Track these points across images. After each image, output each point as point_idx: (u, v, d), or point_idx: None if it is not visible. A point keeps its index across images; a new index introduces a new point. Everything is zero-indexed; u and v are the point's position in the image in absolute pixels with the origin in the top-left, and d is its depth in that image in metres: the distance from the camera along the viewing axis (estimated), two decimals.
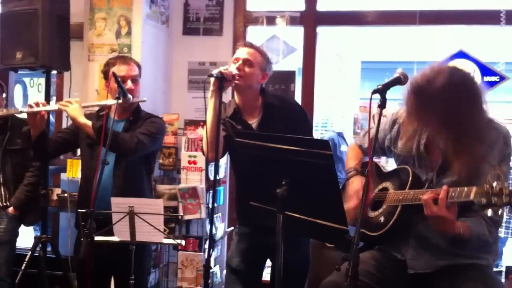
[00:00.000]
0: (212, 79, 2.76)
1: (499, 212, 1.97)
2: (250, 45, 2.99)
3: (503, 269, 4.10)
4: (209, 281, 4.04)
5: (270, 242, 2.83)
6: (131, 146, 3.01)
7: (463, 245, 2.26)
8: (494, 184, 1.94)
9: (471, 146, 2.23)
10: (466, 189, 2.05)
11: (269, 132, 2.80)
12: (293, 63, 4.61)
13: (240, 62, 2.90)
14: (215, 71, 2.73)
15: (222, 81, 2.72)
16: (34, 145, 3.17)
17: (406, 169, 2.39)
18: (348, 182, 2.60)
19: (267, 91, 3.08)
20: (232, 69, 2.81)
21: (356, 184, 2.53)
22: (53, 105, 3.20)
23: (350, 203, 2.48)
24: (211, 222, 2.69)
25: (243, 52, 2.94)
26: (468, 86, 2.29)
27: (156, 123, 3.20)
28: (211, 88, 2.79)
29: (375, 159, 2.65)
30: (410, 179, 2.33)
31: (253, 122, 2.96)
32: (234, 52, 4.33)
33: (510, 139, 2.31)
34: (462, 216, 2.20)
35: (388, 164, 2.67)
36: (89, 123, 3.04)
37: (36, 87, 5.73)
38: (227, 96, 4.35)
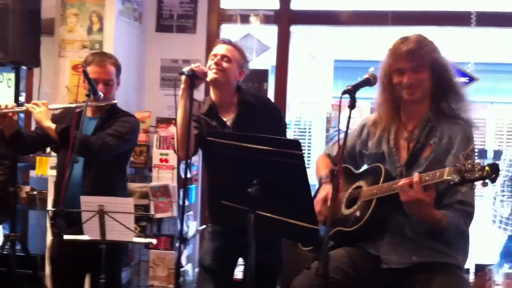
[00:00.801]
0: (183, 77, 2.75)
1: (473, 189, 2.13)
2: (229, 42, 3.01)
3: (473, 267, 4.17)
4: (181, 279, 4.04)
5: (242, 241, 2.84)
6: (95, 148, 2.97)
7: (439, 238, 2.31)
8: (467, 163, 2.04)
9: (437, 138, 2.38)
10: (439, 171, 2.12)
11: (243, 129, 2.84)
12: (266, 61, 4.61)
13: (219, 57, 2.93)
14: (186, 69, 2.72)
15: (194, 79, 2.70)
16: (9, 143, 3.15)
17: (378, 166, 2.46)
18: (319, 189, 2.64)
19: (243, 89, 3.10)
20: (203, 66, 2.80)
21: (323, 192, 2.56)
22: (20, 107, 3.15)
23: (317, 206, 2.51)
24: (182, 221, 2.69)
25: (221, 48, 2.97)
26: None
27: (128, 123, 3.17)
28: (182, 86, 2.77)
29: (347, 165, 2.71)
30: (383, 173, 2.39)
31: (228, 119, 2.97)
32: (208, 50, 4.37)
33: (472, 134, 2.41)
34: (437, 208, 2.25)
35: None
36: (53, 126, 2.99)
37: (6, 82, 5.63)
38: (199, 94, 4.35)
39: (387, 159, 2.48)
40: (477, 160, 2.08)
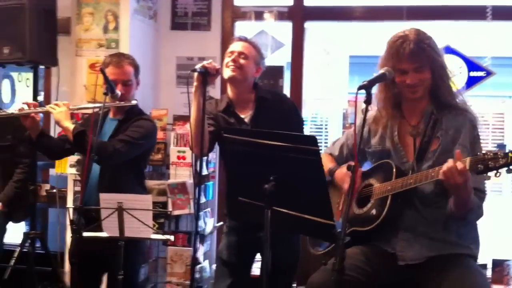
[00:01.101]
0: (195, 74, 2.74)
1: (498, 174, 2.06)
2: (245, 39, 3.03)
3: (490, 262, 4.15)
4: (198, 276, 4.07)
5: (259, 236, 2.86)
6: (106, 155, 2.96)
7: (460, 221, 2.33)
8: (488, 152, 2.06)
9: (443, 130, 2.38)
10: (469, 158, 2.11)
11: (261, 125, 2.88)
12: (281, 58, 4.62)
13: (236, 54, 2.94)
14: (198, 66, 2.72)
15: (206, 75, 2.71)
16: (37, 145, 3.18)
17: (387, 162, 2.45)
18: (333, 177, 2.63)
19: (260, 86, 3.11)
20: (215, 63, 2.78)
21: (343, 170, 2.58)
22: (42, 107, 3.17)
23: (345, 184, 2.54)
24: (196, 218, 2.70)
25: (238, 46, 2.98)
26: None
27: (142, 127, 3.12)
28: (195, 83, 2.77)
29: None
30: (394, 170, 2.39)
31: (246, 116, 2.99)
32: (222, 47, 4.39)
33: (476, 122, 2.42)
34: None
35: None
36: (71, 127, 3.00)
37: (24, 82, 5.69)
38: (215, 92, 4.37)
39: (393, 156, 2.47)
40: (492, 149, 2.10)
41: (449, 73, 2.45)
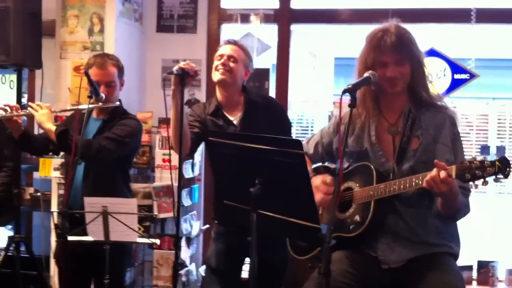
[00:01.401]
0: (172, 77, 2.71)
1: (483, 182, 2.05)
2: (234, 43, 3.05)
3: (476, 263, 4.18)
4: (185, 279, 4.06)
5: (247, 241, 2.86)
6: (92, 153, 2.95)
7: (434, 231, 2.34)
8: (475, 160, 2.03)
9: (423, 128, 2.37)
10: (455, 167, 2.10)
11: (250, 128, 2.90)
12: (267, 60, 4.62)
13: (225, 58, 2.96)
14: (175, 68, 2.68)
15: (184, 77, 2.67)
16: (19, 145, 3.20)
17: (367, 165, 2.42)
18: None
19: (249, 88, 3.14)
20: (192, 64, 2.74)
21: (316, 181, 2.54)
22: (24, 110, 3.16)
23: (316, 196, 2.47)
24: (177, 221, 2.65)
25: (227, 49, 3.00)
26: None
27: (128, 126, 3.13)
28: (172, 87, 2.75)
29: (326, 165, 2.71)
30: (374, 173, 2.36)
31: (235, 118, 3.01)
32: (209, 50, 4.39)
33: (455, 120, 2.42)
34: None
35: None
36: (53, 128, 2.99)
37: (8, 84, 5.65)
38: (201, 94, 4.37)
39: (371, 155, 2.44)
40: (478, 157, 2.07)
41: (427, 72, 2.45)
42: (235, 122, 3.00)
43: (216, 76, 2.96)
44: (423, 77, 2.43)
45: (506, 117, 11.06)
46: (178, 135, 2.67)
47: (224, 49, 3.01)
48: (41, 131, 3.14)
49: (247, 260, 3.14)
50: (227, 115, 3.01)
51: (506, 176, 2.02)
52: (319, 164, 2.74)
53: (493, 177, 2.02)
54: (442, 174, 2.10)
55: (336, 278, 2.21)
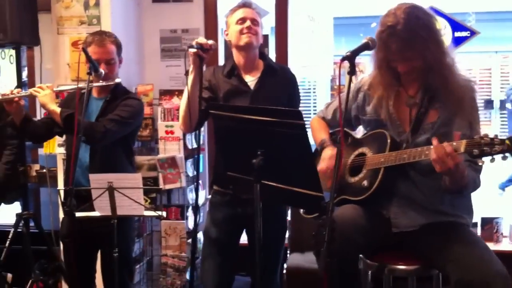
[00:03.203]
0: (191, 58, 2.75)
1: (493, 158, 2.04)
2: (251, 5, 3.03)
3: (480, 220, 4.22)
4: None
5: (245, 211, 2.91)
6: (98, 136, 2.99)
7: (447, 201, 2.36)
8: (485, 136, 2.03)
9: (442, 102, 2.34)
10: (456, 143, 2.11)
11: (263, 92, 2.96)
12: (266, 27, 4.58)
13: (249, 22, 2.94)
14: (194, 42, 2.72)
15: (203, 51, 2.72)
16: (21, 131, 3.19)
17: (382, 133, 2.44)
18: (322, 150, 2.64)
19: (266, 55, 3.16)
20: (204, 39, 2.77)
21: (329, 152, 2.57)
22: (25, 92, 3.15)
23: (321, 165, 2.54)
24: (197, 189, 2.81)
25: (249, 12, 2.98)
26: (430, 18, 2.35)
27: (130, 106, 3.15)
28: (191, 66, 2.78)
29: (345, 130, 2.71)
30: (389, 141, 2.38)
31: (252, 80, 3.01)
32: (206, 18, 4.35)
33: (475, 93, 2.40)
34: None
35: (360, 132, 2.72)
36: (58, 110, 3.01)
37: (8, 59, 5.64)
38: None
39: (389, 125, 2.46)
40: (482, 113, 2.09)
41: (446, 54, 2.36)
42: (250, 83, 3.01)
43: (243, 40, 2.94)
44: (440, 61, 2.35)
45: (509, 70, 10.99)
46: (188, 111, 2.76)
47: (246, 13, 2.97)
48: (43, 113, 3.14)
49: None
50: (243, 75, 3.02)
51: None
52: (337, 129, 2.74)
53: (501, 155, 2.02)
54: (448, 148, 2.10)
55: (346, 222, 2.25)
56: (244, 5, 3.02)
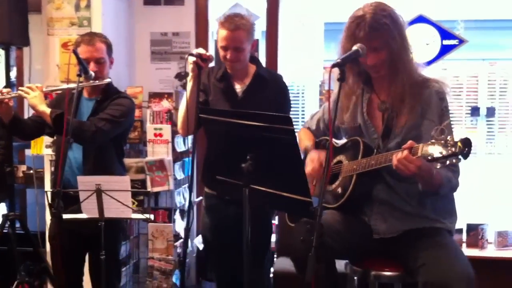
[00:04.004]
0: (190, 66, 2.84)
1: (447, 163, 2.02)
2: (234, 27, 2.92)
3: (465, 226, 4.25)
4: (180, 250, 4.11)
5: (235, 211, 2.94)
6: (89, 135, 2.99)
7: (433, 197, 2.35)
8: (439, 138, 2.01)
9: (410, 105, 2.35)
10: (421, 145, 2.10)
11: (252, 99, 3.01)
12: (257, 30, 4.58)
13: (230, 51, 2.94)
14: (195, 51, 2.82)
15: (203, 61, 2.81)
16: (11, 130, 3.17)
17: (356, 140, 2.47)
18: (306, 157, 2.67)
19: (260, 62, 3.18)
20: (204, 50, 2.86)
21: (313, 155, 2.60)
22: (14, 92, 3.13)
23: (308, 168, 2.56)
24: (190, 188, 2.88)
25: (229, 39, 2.92)
26: (396, 16, 2.39)
27: (122, 105, 3.15)
28: (190, 74, 2.88)
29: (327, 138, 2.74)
30: (361, 148, 2.41)
31: (240, 88, 3.06)
32: (197, 21, 4.36)
33: (444, 94, 2.40)
34: None
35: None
36: (48, 111, 2.99)
37: None
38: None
39: (364, 131, 2.49)
40: (454, 126, 2.08)
41: (410, 49, 2.41)
42: (238, 91, 3.05)
43: (227, 64, 3.02)
44: (405, 58, 2.39)
45: (496, 78, 11.06)
46: (186, 118, 2.81)
47: (228, 39, 2.92)
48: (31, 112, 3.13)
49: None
50: (233, 83, 3.07)
51: (465, 157, 1.99)
52: (323, 137, 2.78)
53: (454, 157, 1.99)
54: (404, 152, 2.12)
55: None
56: (228, 25, 2.92)
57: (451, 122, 2.39)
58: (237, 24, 2.91)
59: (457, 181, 2.37)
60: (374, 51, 2.35)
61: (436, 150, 2.01)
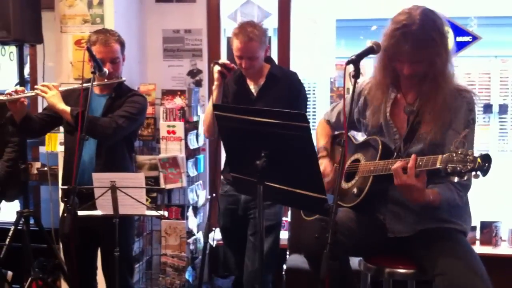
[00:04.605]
0: (216, 75, 3.15)
1: (465, 178, 2.00)
2: (247, 39, 3.11)
3: (479, 224, 4.23)
4: (193, 247, 4.13)
5: (246, 199, 3.22)
6: (109, 132, 3.01)
7: (436, 210, 2.33)
8: (459, 151, 1.98)
9: (439, 112, 2.29)
10: (432, 157, 2.09)
11: (266, 98, 3.19)
12: (268, 26, 4.58)
13: (245, 60, 3.15)
14: (220, 61, 3.20)
15: (227, 70, 3.15)
16: (20, 128, 3.17)
17: (376, 140, 2.42)
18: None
19: (273, 61, 3.36)
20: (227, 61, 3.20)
21: (321, 167, 2.53)
22: (31, 92, 3.14)
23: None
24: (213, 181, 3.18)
25: (243, 50, 3.13)
26: (441, 26, 2.29)
27: (137, 103, 3.18)
28: (216, 82, 3.16)
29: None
30: (380, 149, 2.36)
31: (255, 87, 3.26)
32: (209, 19, 4.36)
33: (474, 105, 2.33)
34: (431, 183, 2.25)
35: (361, 135, 2.72)
36: (68, 109, 3.00)
37: (8, 56, 5.63)
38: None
39: (385, 131, 2.44)
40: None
41: (453, 62, 2.31)
42: (253, 90, 3.26)
43: (244, 72, 3.25)
44: (449, 69, 2.30)
45: (508, 75, 10.98)
46: (213, 122, 2.91)
47: (241, 50, 3.14)
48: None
49: None
50: (248, 83, 3.27)
51: (484, 174, 1.95)
52: (341, 132, 2.72)
53: (473, 173, 1.96)
54: (410, 162, 2.11)
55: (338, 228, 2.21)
56: (242, 38, 3.11)
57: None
58: (250, 36, 3.10)
59: (461, 199, 2.32)
60: (414, 63, 2.26)
61: (454, 164, 1.98)
